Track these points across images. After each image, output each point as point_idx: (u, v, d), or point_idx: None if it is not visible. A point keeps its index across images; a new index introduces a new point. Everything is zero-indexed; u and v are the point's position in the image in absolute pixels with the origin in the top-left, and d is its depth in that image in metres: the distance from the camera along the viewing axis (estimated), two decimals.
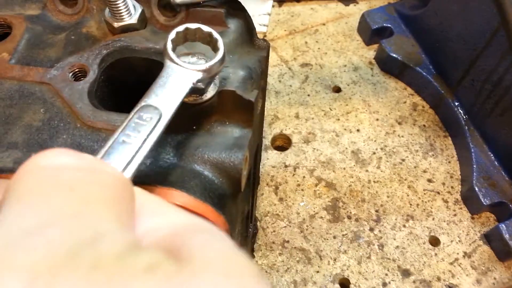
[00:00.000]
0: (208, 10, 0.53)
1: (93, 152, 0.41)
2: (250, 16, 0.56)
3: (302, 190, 0.81)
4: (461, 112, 0.84)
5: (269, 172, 0.84)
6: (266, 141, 0.88)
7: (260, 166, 0.84)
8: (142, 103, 0.37)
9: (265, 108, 0.92)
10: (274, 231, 0.78)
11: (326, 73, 0.98)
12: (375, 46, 1.01)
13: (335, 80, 0.97)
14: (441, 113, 0.89)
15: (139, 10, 0.53)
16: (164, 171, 0.42)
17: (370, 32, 0.98)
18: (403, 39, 0.94)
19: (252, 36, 0.56)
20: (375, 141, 0.88)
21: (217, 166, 0.44)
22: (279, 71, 0.98)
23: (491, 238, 0.76)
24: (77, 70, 0.50)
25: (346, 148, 0.87)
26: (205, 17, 0.53)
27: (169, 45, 0.41)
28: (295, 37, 1.04)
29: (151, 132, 0.35)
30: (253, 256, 0.77)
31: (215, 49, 0.42)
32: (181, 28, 0.41)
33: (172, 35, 0.41)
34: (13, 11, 0.55)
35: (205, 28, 0.42)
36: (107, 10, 0.53)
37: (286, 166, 0.85)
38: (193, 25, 0.42)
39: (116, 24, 0.52)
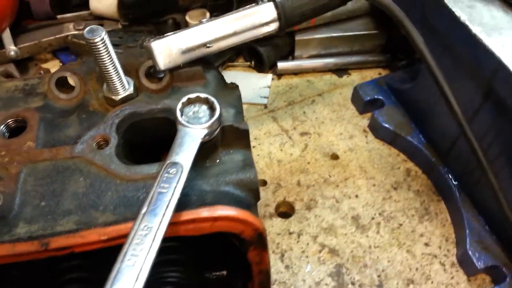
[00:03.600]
0: (189, 69, 0.65)
1: (138, 199, 0.52)
2: (217, 68, 0.70)
3: (307, 257, 0.86)
4: (452, 178, 0.90)
5: (274, 239, 0.88)
6: (271, 208, 0.93)
7: (267, 234, 0.89)
8: (168, 161, 0.49)
9: (269, 177, 0.98)
10: None
11: (324, 141, 1.05)
12: (369, 114, 1.09)
13: (333, 148, 1.03)
14: (433, 179, 0.96)
15: (132, 82, 0.63)
16: (201, 197, 0.52)
17: (363, 103, 1.06)
18: (393, 110, 1.02)
19: (225, 82, 0.71)
20: (373, 206, 0.93)
21: (239, 184, 0.55)
22: (281, 140, 1.05)
23: None
24: (100, 140, 0.58)
25: (346, 214, 0.92)
26: (187, 75, 0.66)
27: (179, 113, 0.53)
28: (294, 107, 1.12)
29: (178, 181, 0.47)
30: None
31: (212, 108, 0.54)
32: (184, 99, 0.55)
33: (179, 105, 0.54)
34: (18, 107, 0.62)
35: (202, 95, 0.55)
36: (104, 87, 0.61)
37: (290, 233, 0.89)
38: (193, 95, 0.55)
39: (116, 97, 0.61)
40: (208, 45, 0.65)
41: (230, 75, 1.19)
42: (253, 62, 1.20)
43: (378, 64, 1.19)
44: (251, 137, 1.05)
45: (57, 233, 0.49)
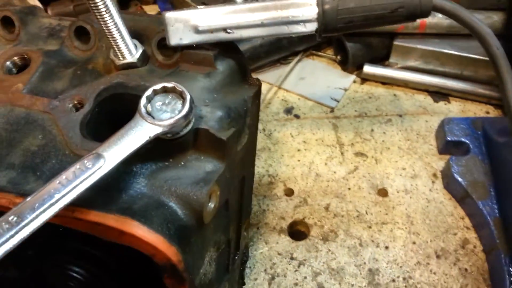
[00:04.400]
0: (199, 52, 0.57)
1: None
2: (243, 57, 0.60)
3: None
4: (510, 271, 0.69)
5: (272, 257, 0.79)
6: (284, 223, 0.83)
7: (267, 249, 0.80)
8: (94, 151, 0.43)
9: (298, 188, 0.87)
10: None
11: (379, 170, 0.89)
12: (448, 157, 0.89)
13: (385, 182, 0.87)
14: (492, 263, 0.75)
15: (140, 50, 0.57)
16: (132, 200, 0.46)
17: (445, 142, 0.87)
18: (477, 163, 0.81)
19: (245, 75, 0.61)
20: (400, 267, 0.77)
21: (182, 198, 0.47)
22: (330, 153, 0.92)
23: None
24: (76, 102, 0.54)
25: (365, 263, 0.77)
26: (196, 59, 0.57)
27: (143, 100, 0.46)
28: (363, 121, 0.97)
29: (84, 179, 0.41)
30: (244, 284, 0.75)
31: (183, 105, 0.46)
32: (158, 85, 0.46)
33: (149, 91, 0.46)
34: (36, 46, 0.61)
35: (179, 87, 0.46)
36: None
37: (292, 258, 0.79)
38: (169, 84, 0.46)
39: (117, 62, 0.57)
40: (228, 30, 0.55)
41: (308, 64, 1.07)
42: (339, 57, 1.05)
43: (489, 100, 0.96)
44: (300, 139, 0.94)
45: None
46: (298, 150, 0.93)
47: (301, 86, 1.03)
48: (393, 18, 0.53)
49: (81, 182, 0.41)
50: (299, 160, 0.91)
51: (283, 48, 1.04)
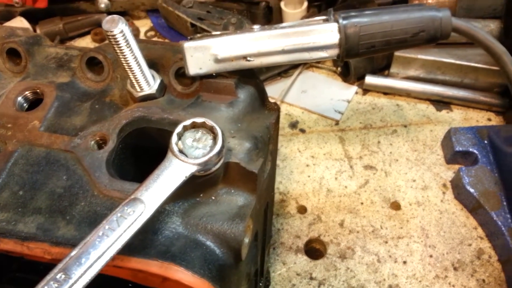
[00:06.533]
0: (220, 81, 0.56)
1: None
2: (261, 82, 0.59)
3: None
4: None
5: (291, 278, 0.78)
6: (300, 242, 0.82)
7: (285, 270, 0.79)
8: (132, 196, 0.41)
9: (311, 205, 0.86)
10: None
11: (389, 183, 0.89)
12: (457, 166, 0.89)
13: (397, 195, 0.87)
14: (508, 273, 0.76)
15: (158, 80, 0.56)
16: (169, 241, 0.45)
17: (453, 152, 0.87)
18: (486, 173, 0.82)
19: (264, 100, 0.59)
20: (420, 281, 0.77)
21: (219, 236, 0.46)
22: (339, 167, 0.92)
23: None
24: (98, 139, 0.53)
25: (384, 280, 0.77)
26: (217, 88, 0.56)
27: (174, 138, 0.44)
28: (369, 133, 0.97)
29: (130, 226, 0.39)
30: None
31: (215, 141, 0.45)
32: (187, 122, 0.45)
33: (179, 128, 0.45)
34: (46, 78, 0.59)
35: (209, 122, 0.45)
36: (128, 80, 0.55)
37: (311, 278, 0.78)
38: (199, 119, 0.45)
39: (136, 94, 0.55)
40: (248, 58, 0.54)
41: (309, 77, 1.06)
42: (339, 69, 1.05)
43: (490, 107, 0.97)
44: (308, 154, 0.94)
45: (15, 233, 0.47)
46: (307, 165, 0.92)
47: (304, 99, 1.03)
48: (414, 42, 0.53)
49: (125, 231, 0.39)
50: (309, 176, 0.91)
51: None
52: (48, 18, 1.19)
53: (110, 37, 0.50)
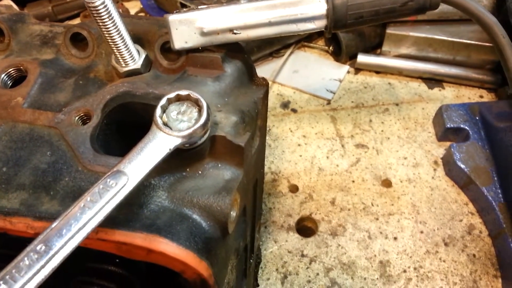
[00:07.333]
0: (206, 55, 0.55)
1: None
2: (249, 57, 0.58)
3: None
4: None
5: (283, 256, 0.78)
6: (292, 220, 0.82)
7: (277, 248, 0.79)
8: (115, 168, 0.41)
9: (303, 184, 0.86)
10: None
11: (381, 161, 0.89)
12: (448, 143, 0.89)
13: (388, 173, 0.87)
14: (498, 248, 0.76)
15: (143, 55, 0.55)
16: (154, 214, 0.45)
17: (444, 129, 0.87)
18: (477, 149, 0.82)
19: (252, 75, 0.59)
20: (410, 257, 0.77)
21: (205, 209, 0.45)
22: (331, 146, 0.91)
23: None
24: (83, 114, 0.52)
25: (375, 256, 0.78)
26: (203, 62, 0.56)
27: (159, 110, 0.44)
28: (360, 111, 0.96)
29: (111, 198, 0.39)
30: (257, 285, 0.75)
31: (200, 113, 0.44)
32: (172, 95, 0.44)
33: (164, 100, 0.44)
34: (30, 55, 0.58)
35: (194, 95, 0.44)
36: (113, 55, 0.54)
37: (302, 255, 0.78)
38: (184, 92, 0.44)
39: (121, 69, 0.54)
40: (235, 31, 0.53)
41: (301, 57, 1.05)
42: (331, 48, 1.04)
43: (482, 84, 0.97)
44: (300, 133, 0.93)
45: None
46: (299, 145, 0.92)
47: (296, 79, 1.02)
48: (403, 12, 0.52)
49: (107, 203, 0.39)
50: (300, 155, 0.90)
51: (275, 42, 1.02)
52: (37, 0, 1.17)
53: (92, 8, 0.49)
